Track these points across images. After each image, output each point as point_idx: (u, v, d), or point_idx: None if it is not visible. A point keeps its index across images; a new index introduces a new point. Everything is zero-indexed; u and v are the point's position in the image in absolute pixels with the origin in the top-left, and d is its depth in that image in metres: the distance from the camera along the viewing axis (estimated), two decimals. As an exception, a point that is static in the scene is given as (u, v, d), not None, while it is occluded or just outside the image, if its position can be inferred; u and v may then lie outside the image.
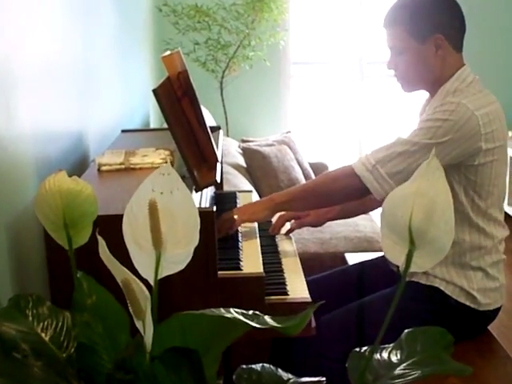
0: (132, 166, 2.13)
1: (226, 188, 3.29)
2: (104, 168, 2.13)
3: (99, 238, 1.04)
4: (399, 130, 6.02)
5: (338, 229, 3.97)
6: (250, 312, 1.15)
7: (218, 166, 2.07)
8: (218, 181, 1.96)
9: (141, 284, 1.03)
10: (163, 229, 1.12)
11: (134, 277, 1.03)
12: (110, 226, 1.59)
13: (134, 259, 1.12)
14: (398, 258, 1.31)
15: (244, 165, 4.53)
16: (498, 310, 2.21)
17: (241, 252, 2.02)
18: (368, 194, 2.09)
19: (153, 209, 1.11)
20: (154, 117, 4.46)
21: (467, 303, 2.14)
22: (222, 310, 1.13)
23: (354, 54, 5.90)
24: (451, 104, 2.02)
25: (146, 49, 4.48)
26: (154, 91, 1.81)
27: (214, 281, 1.75)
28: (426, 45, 2.11)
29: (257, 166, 4.48)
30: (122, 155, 2.23)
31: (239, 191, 2.72)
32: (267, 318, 1.16)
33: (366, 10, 5.79)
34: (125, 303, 1.08)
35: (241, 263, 1.93)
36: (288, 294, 1.89)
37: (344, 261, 3.14)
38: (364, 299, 2.25)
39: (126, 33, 3.56)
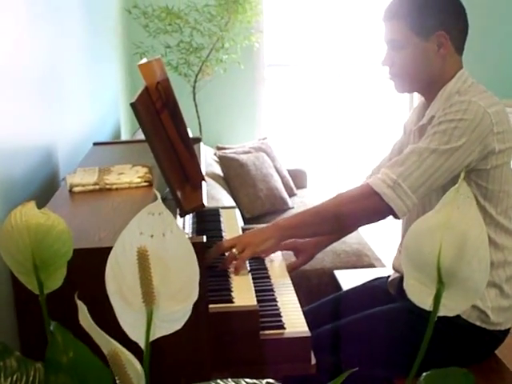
0: (108, 187, 1.92)
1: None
2: (76, 189, 1.92)
3: (79, 302, 0.83)
4: (379, 131, 5.95)
5: (322, 241, 3.80)
6: (264, 382, 0.96)
7: (204, 185, 1.87)
8: (206, 203, 1.76)
9: (131, 357, 0.84)
10: (155, 281, 0.93)
11: (123, 348, 0.84)
12: (85, 263, 1.41)
13: (121, 318, 0.93)
14: (424, 300, 1.16)
15: (221, 174, 4.34)
16: (507, 331, 2.06)
17: (231, 280, 1.83)
18: (389, 214, 1.92)
19: (142, 257, 0.91)
20: (125, 127, 4.25)
21: (477, 323, 1.99)
22: (231, 381, 0.94)
23: (331, 54, 5.74)
24: (462, 103, 1.91)
25: (115, 53, 4.27)
26: (133, 105, 1.61)
27: (205, 317, 1.57)
28: (429, 42, 1.99)
29: (234, 174, 4.29)
30: (96, 173, 2.03)
31: (222, 208, 2.53)
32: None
33: (342, 9, 5.63)
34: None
35: (232, 294, 1.74)
36: (285, 328, 1.71)
37: (333, 278, 2.97)
38: (362, 315, 2.09)
39: (94, 37, 3.35)
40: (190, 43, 4.99)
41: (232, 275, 1.87)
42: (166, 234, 0.95)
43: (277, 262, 2.14)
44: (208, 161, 4.38)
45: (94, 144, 2.63)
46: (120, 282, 0.94)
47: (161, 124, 1.89)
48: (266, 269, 2.06)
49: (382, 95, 5.88)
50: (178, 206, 1.66)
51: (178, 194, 1.68)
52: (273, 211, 4.33)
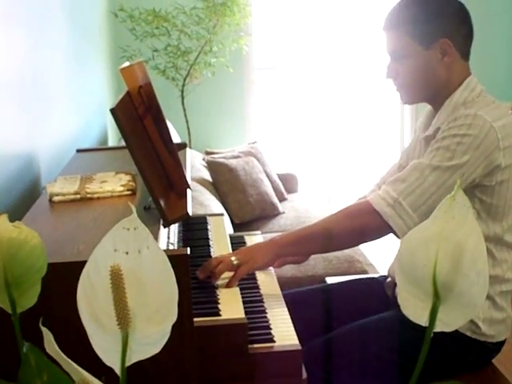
0: (89, 196, 1.85)
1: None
2: (56, 198, 1.85)
3: (44, 329, 0.76)
4: (370, 134, 5.90)
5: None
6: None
7: (189, 193, 1.80)
8: (190, 213, 1.69)
9: (103, 387, 0.77)
10: (131, 302, 0.86)
11: (93, 378, 0.77)
12: (62, 278, 1.34)
13: (94, 342, 0.87)
14: (419, 315, 1.10)
15: (209, 179, 4.27)
16: (501, 343, 2.00)
17: (218, 292, 1.76)
18: (389, 232, 1.87)
19: (116, 277, 0.84)
20: (112, 133, 4.18)
21: (468, 333, 1.93)
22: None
23: (320, 57, 5.68)
24: (467, 117, 1.83)
25: (101, 57, 4.20)
26: (113, 111, 1.54)
27: (190, 331, 1.50)
28: (431, 50, 1.91)
29: (223, 180, 4.22)
30: (77, 182, 1.95)
31: (209, 215, 2.46)
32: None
33: (332, 12, 5.57)
34: None
35: (219, 306, 1.67)
36: (274, 341, 1.64)
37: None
38: (353, 326, 2.02)
39: (78, 40, 3.28)
40: (178, 46, 4.92)
41: (219, 287, 1.80)
42: (142, 251, 0.88)
43: (266, 272, 2.07)
44: (196, 166, 4.31)
45: (78, 151, 2.56)
46: (93, 302, 0.87)
47: (144, 130, 1.82)
48: (254, 278, 1.99)
49: (373, 98, 5.82)
50: (162, 216, 1.59)
51: (162, 203, 1.61)
52: (263, 217, 4.27)
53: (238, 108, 5.50)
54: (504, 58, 5.55)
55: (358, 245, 1.99)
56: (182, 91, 5.02)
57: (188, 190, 1.82)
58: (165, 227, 1.62)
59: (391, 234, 1.89)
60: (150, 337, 0.87)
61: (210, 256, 2.01)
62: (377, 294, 2.18)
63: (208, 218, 2.38)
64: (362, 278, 2.33)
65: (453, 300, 1.04)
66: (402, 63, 1.94)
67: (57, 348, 0.77)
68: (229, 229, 3.41)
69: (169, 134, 1.93)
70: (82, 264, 0.89)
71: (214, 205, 3.62)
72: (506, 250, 1.94)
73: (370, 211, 1.85)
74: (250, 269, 1.88)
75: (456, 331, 1.90)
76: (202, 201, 3.53)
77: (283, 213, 4.38)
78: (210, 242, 2.14)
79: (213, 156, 4.47)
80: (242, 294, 1.79)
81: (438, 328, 1.09)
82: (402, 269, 1.09)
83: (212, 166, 4.28)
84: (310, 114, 5.83)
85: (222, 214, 2.48)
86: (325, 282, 2.94)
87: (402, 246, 1.11)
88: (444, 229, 1.03)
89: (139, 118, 1.81)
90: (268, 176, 4.56)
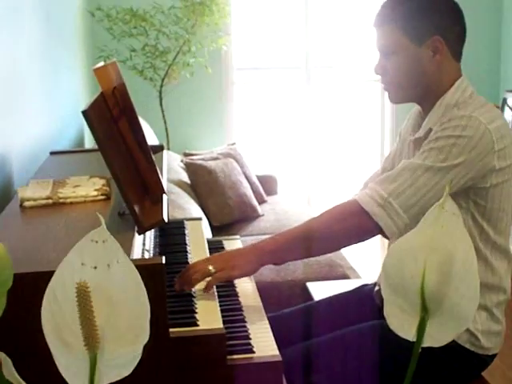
0: (61, 201, 1.78)
1: (169, 209, 2.96)
2: (27, 204, 1.78)
3: (2, 355, 0.70)
4: (350, 137, 5.86)
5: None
6: None
7: (165, 198, 1.74)
8: (166, 219, 1.62)
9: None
10: (99, 320, 0.80)
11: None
12: (33, 289, 1.28)
13: (60, 363, 0.81)
14: (406, 330, 1.05)
15: (188, 181, 4.21)
16: (494, 356, 1.94)
17: (195, 300, 1.70)
18: (379, 233, 1.79)
19: (83, 294, 0.78)
20: (89, 134, 4.10)
21: (467, 345, 1.87)
22: None
23: (300, 57, 5.62)
24: (462, 118, 1.77)
25: (77, 57, 4.12)
26: (85, 113, 1.48)
27: (165, 343, 1.44)
28: (423, 48, 1.86)
29: (202, 182, 4.16)
30: (50, 186, 1.88)
31: (187, 219, 2.39)
32: None
33: (312, 11, 5.52)
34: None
35: (196, 316, 1.61)
36: (254, 352, 1.58)
37: (305, 290, 2.85)
38: (337, 333, 1.96)
39: (53, 40, 3.20)
40: (156, 46, 4.85)
41: (197, 295, 1.73)
42: (112, 265, 0.82)
43: (245, 278, 2.01)
44: (175, 168, 4.24)
45: (52, 153, 2.48)
46: (58, 321, 0.81)
47: (118, 132, 1.75)
48: (233, 286, 1.93)
49: (354, 98, 5.79)
50: (136, 223, 1.53)
51: (136, 209, 1.55)
52: (242, 219, 4.21)
53: (216, 109, 5.44)
54: (486, 61, 5.53)
55: (346, 246, 1.88)
56: (160, 92, 4.96)
57: (164, 195, 1.75)
58: (139, 234, 1.56)
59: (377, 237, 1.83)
60: (121, 358, 0.81)
61: (188, 262, 1.95)
62: (368, 303, 2.11)
63: (185, 223, 2.32)
64: (353, 289, 2.23)
65: (442, 313, 1.00)
66: (391, 60, 1.88)
67: (16, 375, 0.70)
68: (207, 232, 3.36)
69: (144, 136, 1.86)
70: (53, 274, 0.83)
71: (192, 208, 3.56)
72: (499, 256, 1.89)
73: (358, 211, 1.78)
74: (229, 276, 1.78)
75: (456, 344, 1.85)
76: (180, 204, 3.47)
77: (263, 215, 4.32)
78: (188, 248, 2.08)
79: (191, 158, 4.40)
80: (220, 302, 1.73)
81: (426, 343, 1.04)
82: (388, 281, 1.05)
83: (190, 168, 4.22)
84: (289, 114, 5.78)
85: (199, 219, 2.41)
86: (305, 287, 2.89)
87: (388, 256, 1.06)
88: (432, 238, 0.99)
89: (113, 120, 1.75)
90: (247, 178, 4.50)
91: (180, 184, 3.99)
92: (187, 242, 2.13)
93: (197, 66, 4.95)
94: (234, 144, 4.84)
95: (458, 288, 0.98)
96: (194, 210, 3.53)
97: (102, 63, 1.85)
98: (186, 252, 2.03)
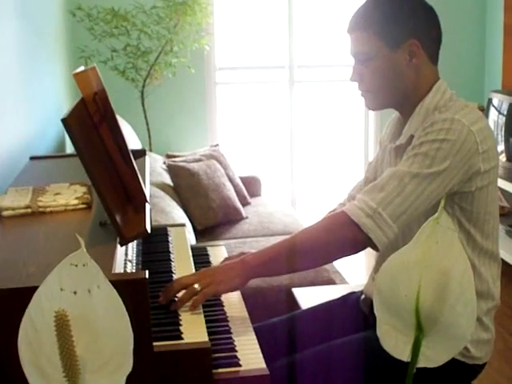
0: (41, 210, 1.73)
1: (152, 214, 2.91)
2: (6, 213, 1.72)
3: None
4: (334, 138, 5.82)
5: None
6: None
7: (148, 207, 1.69)
8: (149, 230, 1.58)
9: None
10: (80, 350, 0.76)
11: None
12: (10, 306, 1.23)
13: (37, 395, 0.76)
14: (400, 350, 1.02)
15: (171, 183, 4.15)
16: (484, 365, 1.91)
17: (179, 312, 1.65)
18: (367, 245, 1.74)
19: (61, 323, 0.74)
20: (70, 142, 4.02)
21: (458, 357, 1.82)
22: None
23: (283, 57, 5.58)
24: (444, 121, 1.74)
25: (57, 58, 4.05)
26: (64, 121, 1.43)
27: (149, 357, 1.40)
28: (399, 52, 1.82)
29: (185, 184, 4.11)
30: (29, 194, 1.83)
31: (170, 226, 2.34)
32: None
33: (295, 10, 5.48)
34: None
35: (180, 329, 1.57)
36: (240, 365, 1.54)
37: (290, 296, 2.81)
38: (329, 344, 1.91)
39: (33, 41, 3.14)
40: (138, 47, 4.79)
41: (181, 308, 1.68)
42: (93, 290, 0.78)
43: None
44: (157, 170, 4.19)
45: (31, 158, 2.42)
46: (36, 350, 0.76)
47: (99, 139, 1.71)
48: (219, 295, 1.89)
49: (338, 98, 5.75)
50: (118, 234, 1.48)
51: (118, 219, 1.50)
52: (226, 222, 4.16)
53: (199, 109, 5.39)
54: (471, 61, 5.52)
55: (336, 259, 1.83)
56: (142, 92, 4.90)
57: (147, 204, 1.70)
58: (122, 245, 1.51)
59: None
60: (102, 389, 0.76)
61: (171, 271, 1.90)
62: (355, 312, 2.07)
63: (169, 229, 2.27)
64: (339, 298, 2.18)
65: (438, 333, 0.97)
66: (367, 66, 1.84)
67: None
68: (191, 237, 3.31)
69: (125, 143, 1.82)
70: (32, 290, 0.79)
71: (175, 212, 3.51)
72: (488, 262, 1.86)
73: (347, 223, 1.72)
74: (216, 292, 1.72)
75: None
76: (163, 207, 3.42)
77: (246, 218, 4.28)
78: (171, 256, 2.03)
79: (174, 160, 4.35)
80: (204, 312, 1.69)
81: (421, 363, 1.01)
82: (382, 299, 1.01)
83: (173, 170, 4.16)
84: (272, 114, 5.73)
85: (183, 225, 2.37)
86: (291, 293, 2.85)
87: (381, 273, 1.03)
88: (427, 255, 0.97)
89: (94, 126, 1.70)
90: (230, 180, 4.46)
91: (162, 187, 3.94)
92: (171, 249, 2.08)
93: (179, 66, 4.89)
94: (216, 145, 4.79)
95: (455, 306, 0.95)
96: (176, 213, 3.49)
97: (82, 68, 1.80)
98: (170, 260, 1.98)
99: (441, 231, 0.96)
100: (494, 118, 4.45)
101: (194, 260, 2.06)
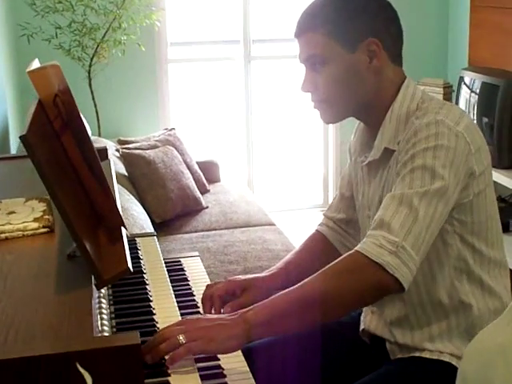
0: (-7, 236, 1.44)
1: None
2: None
3: None
4: (292, 117, 5.57)
5: (244, 248, 3.40)
6: None
7: (124, 233, 1.42)
8: (131, 267, 1.30)
9: None
10: None
11: None
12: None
13: None
14: None
15: (125, 173, 3.86)
16: None
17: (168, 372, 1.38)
18: (391, 289, 1.46)
19: None
20: (15, 133, 3.69)
21: None
22: None
23: (238, 31, 5.28)
24: (428, 126, 1.52)
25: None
26: (24, 138, 1.15)
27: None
28: (357, 53, 1.60)
29: (140, 174, 3.82)
30: (-24, 214, 1.54)
31: (138, 235, 2.08)
32: None
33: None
34: None
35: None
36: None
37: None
38: None
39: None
40: (84, 23, 4.44)
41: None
42: None
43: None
44: (109, 158, 3.88)
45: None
46: None
47: (62, 150, 1.43)
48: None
49: (297, 73, 5.50)
50: (94, 275, 1.21)
51: (91, 252, 1.23)
52: (186, 213, 3.90)
53: (151, 89, 5.06)
54: (434, 38, 5.34)
55: (355, 309, 1.57)
56: (89, 72, 4.56)
57: (122, 228, 1.43)
58: (98, 289, 1.24)
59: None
60: None
61: (147, 295, 1.65)
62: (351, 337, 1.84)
63: (137, 241, 2.01)
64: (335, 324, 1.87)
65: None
66: (321, 72, 1.61)
67: None
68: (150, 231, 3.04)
69: (93, 151, 1.54)
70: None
71: (133, 207, 3.23)
72: (499, 272, 1.67)
73: (366, 264, 1.44)
74: (203, 351, 1.39)
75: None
76: (121, 203, 3.13)
77: (207, 207, 4.03)
78: (145, 276, 1.77)
79: (128, 146, 4.05)
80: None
81: None
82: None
83: (128, 159, 3.87)
84: (228, 94, 5.45)
85: (153, 235, 2.11)
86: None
87: (465, 359, 0.79)
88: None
89: (56, 135, 1.42)
90: (188, 167, 4.18)
91: (117, 176, 3.64)
92: (143, 268, 1.82)
93: (129, 43, 4.57)
94: (172, 129, 4.50)
95: None
96: (135, 209, 3.21)
97: (37, 63, 1.50)
98: (145, 284, 1.72)
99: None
100: (466, 97, 4.26)
101: (168, 274, 1.83)
